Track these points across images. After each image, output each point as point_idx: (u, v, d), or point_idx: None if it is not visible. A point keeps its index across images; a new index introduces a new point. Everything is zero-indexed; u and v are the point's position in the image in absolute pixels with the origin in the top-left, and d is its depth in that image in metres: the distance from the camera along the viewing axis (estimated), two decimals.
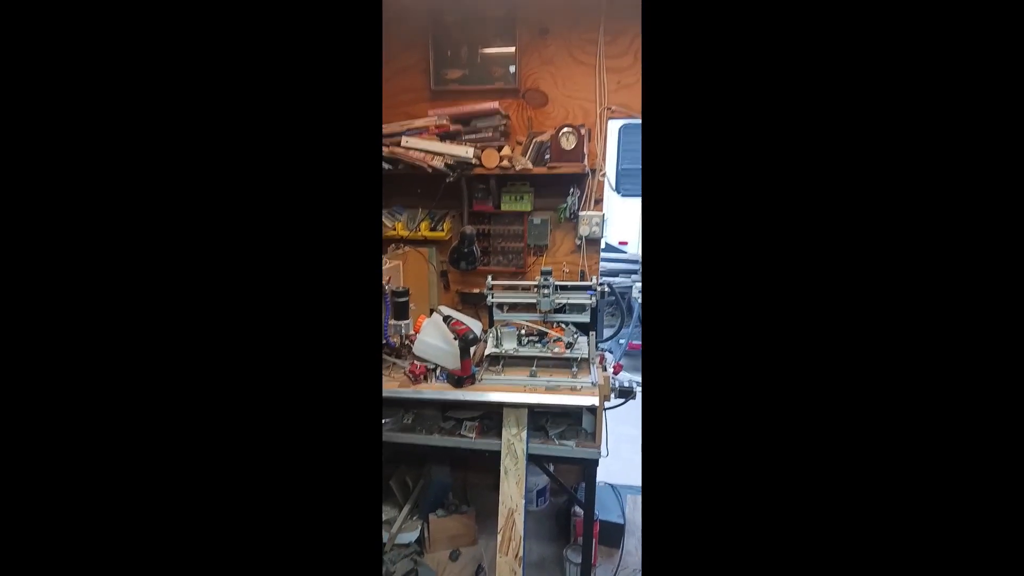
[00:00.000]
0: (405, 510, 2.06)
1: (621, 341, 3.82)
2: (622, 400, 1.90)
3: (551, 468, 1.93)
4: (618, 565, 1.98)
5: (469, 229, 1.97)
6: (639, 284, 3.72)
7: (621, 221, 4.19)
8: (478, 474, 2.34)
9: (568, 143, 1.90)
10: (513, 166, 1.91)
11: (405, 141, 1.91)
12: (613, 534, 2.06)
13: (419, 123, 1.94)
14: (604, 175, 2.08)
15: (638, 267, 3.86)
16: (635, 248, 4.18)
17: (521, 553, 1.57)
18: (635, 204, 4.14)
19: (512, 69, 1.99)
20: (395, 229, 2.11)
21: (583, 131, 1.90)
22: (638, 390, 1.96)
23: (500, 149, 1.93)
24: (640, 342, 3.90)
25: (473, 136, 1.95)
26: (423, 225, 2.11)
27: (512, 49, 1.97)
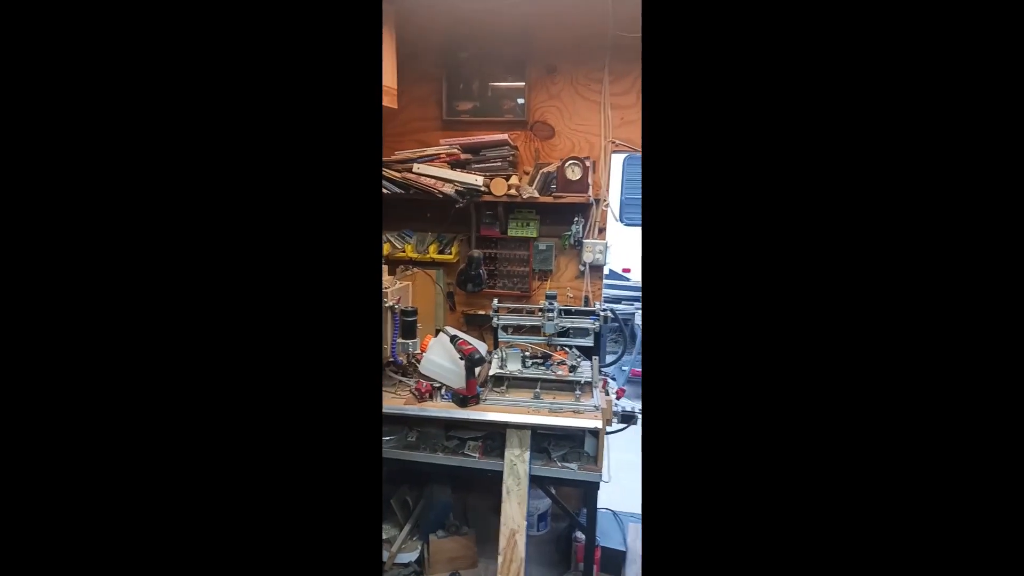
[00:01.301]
0: (405, 530, 2.06)
1: (624, 368, 3.83)
2: (624, 425, 1.92)
3: (553, 491, 1.94)
4: None
5: (477, 253, 2.04)
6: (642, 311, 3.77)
7: (624, 249, 4.27)
8: (479, 496, 2.33)
9: (573, 174, 1.99)
10: (520, 194, 1.99)
11: (417, 168, 2.00)
12: (614, 561, 2.04)
13: (431, 151, 2.03)
14: (607, 205, 2.16)
15: (640, 295, 3.91)
16: (638, 276, 4.24)
17: (523, 575, 1.57)
18: (638, 233, 4.23)
19: (521, 102, 2.09)
20: (404, 251, 2.18)
21: (588, 163, 1.99)
22: (640, 416, 1.98)
23: (508, 178, 2.02)
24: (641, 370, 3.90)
25: (482, 165, 2.05)
26: (432, 248, 2.18)
27: (522, 84, 2.08)
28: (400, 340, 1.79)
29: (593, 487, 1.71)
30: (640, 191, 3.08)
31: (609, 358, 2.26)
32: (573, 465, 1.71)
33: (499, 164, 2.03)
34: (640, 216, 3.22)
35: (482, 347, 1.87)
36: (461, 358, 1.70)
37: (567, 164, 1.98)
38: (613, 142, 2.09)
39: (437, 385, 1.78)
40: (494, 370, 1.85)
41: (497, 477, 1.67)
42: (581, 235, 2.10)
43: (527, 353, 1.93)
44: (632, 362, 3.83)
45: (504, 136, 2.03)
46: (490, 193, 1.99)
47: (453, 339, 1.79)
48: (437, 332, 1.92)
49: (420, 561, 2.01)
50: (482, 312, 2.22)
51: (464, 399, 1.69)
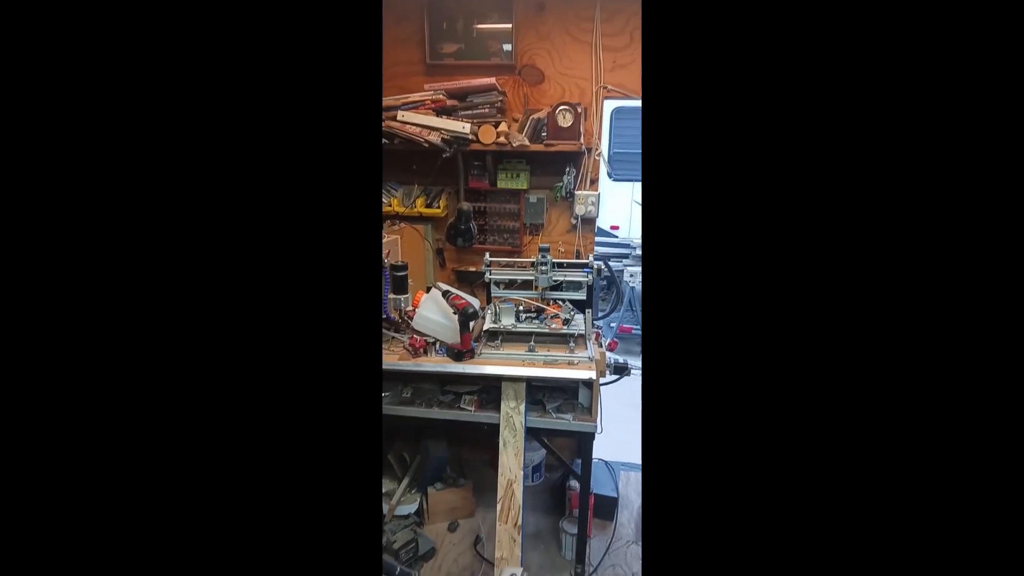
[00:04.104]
0: (404, 483, 2.08)
1: (612, 324, 3.87)
2: (617, 376, 1.94)
3: (549, 444, 1.97)
4: (612, 536, 2.03)
5: (466, 206, 1.97)
6: (631, 269, 3.76)
7: (613, 206, 4.22)
8: (474, 450, 2.37)
9: (565, 121, 1.90)
10: (510, 142, 1.91)
11: (401, 115, 1.90)
12: (607, 507, 2.11)
13: (415, 97, 1.92)
14: (600, 154, 2.09)
15: (629, 251, 3.89)
16: (626, 232, 4.22)
17: (520, 522, 1.61)
18: (626, 189, 4.16)
19: (508, 47, 1.97)
20: (391, 205, 2.10)
21: (579, 109, 1.91)
22: (632, 367, 2.00)
23: (497, 125, 1.92)
24: (631, 326, 3.95)
25: (469, 112, 1.94)
26: (419, 202, 2.11)
27: (508, 25, 1.95)
28: (392, 296, 1.75)
29: (588, 437, 1.73)
30: (629, 145, 3.01)
31: (601, 313, 2.26)
32: (568, 416, 1.72)
33: (487, 111, 1.94)
34: (629, 171, 3.16)
35: (475, 303, 1.83)
36: (455, 313, 1.67)
37: (558, 110, 1.89)
38: (605, 87, 2.00)
39: (431, 340, 1.75)
40: (488, 325, 1.83)
41: (493, 430, 1.68)
42: (573, 186, 2.04)
43: (520, 307, 1.91)
44: (620, 319, 3.87)
45: (492, 80, 1.92)
46: (478, 141, 1.90)
47: (446, 294, 1.75)
48: (428, 289, 1.87)
49: (419, 512, 2.05)
50: (473, 269, 2.17)
51: (459, 353, 1.67)
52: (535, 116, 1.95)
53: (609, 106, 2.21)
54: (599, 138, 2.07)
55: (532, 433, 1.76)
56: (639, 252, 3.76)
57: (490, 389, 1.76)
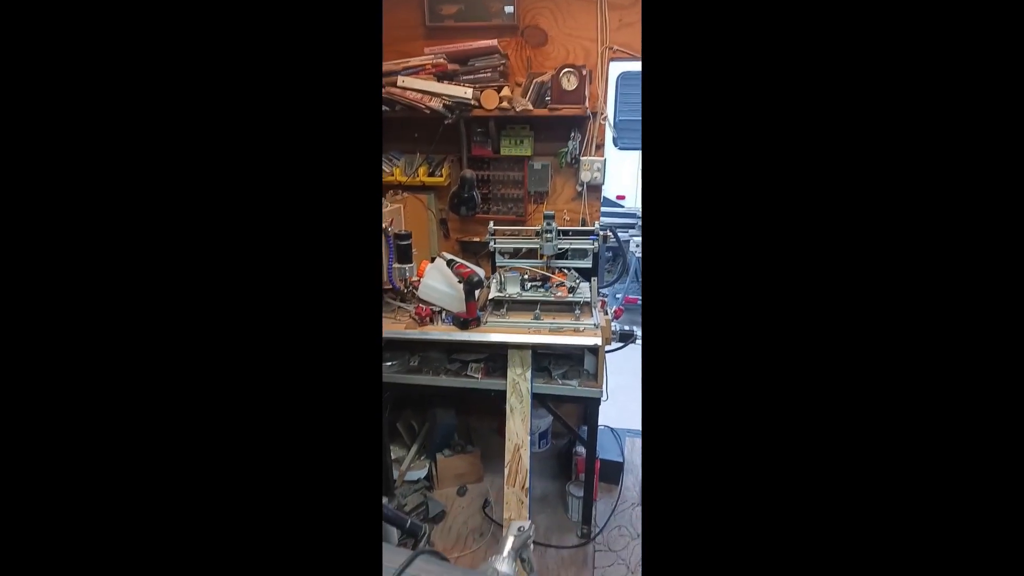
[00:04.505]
0: (413, 450, 2.13)
1: (618, 295, 3.86)
2: (622, 344, 1.94)
3: (555, 409, 1.99)
4: (617, 499, 2.07)
5: (469, 173, 1.94)
6: (637, 239, 3.72)
7: (619, 175, 4.14)
8: (482, 419, 2.41)
9: (569, 83, 1.85)
10: (513, 107, 1.86)
11: (401, 81, 1.85)
12: (612, 472, 2.15)
13: (415, 61, 1.87)
14: (605, 118, 2.04)
15: (636, 221, 3.84)
16: (633, 202, 4.16)
17: (527, 484, 1.64)
18: (633, 157, 4.08)
19: (509, 9, 1.90)
20: (393, 175, 2.08)
21: (584, 71, 1.85)
22: (638, 333, 2.00)
23: (499, 90, 1.88)
24: (637, 296, 3.94)
25: (471, 76, 1.89)
26: (421, 171, 2.08)
27: None
28: (396, 265, 1.74)
29: (594, 403, 1.75)
30: (636, 112, 2.93)
31: (606, 282, 2.25)
32: (573, 382, 1.73)
33: (489, 75, 1.88)
34: (635, 139, 3.09)
35: (480, 272, 1.83)
36: (460, 281, 1.67)
37: (562, 73, 1.83)
38: (610, 48, 1.93)
39: (437, 309, 1.76)
40: (493, 294, 1.83)
41: (500, 397, 1.70)
42: (578, 152, 2.00)
43: (525, 276, 1.90)
44: (626, 289, 3.85)
45: (494, 42, 1.86)
46: (481, 107, 1.86)
47: (450, 263, 1.74)
48: (432, 260, 1.87)
49: (429, 478, 2.10)
50: (477, 239, 2.16)
51: (464, 322, 1.68)
52: (538, 79, 1.89)
53: (615, 68, 2.14)
54: (605, 102, 2.02)
55: (538, 399, 1.78)
56: None
57: (496, 357, 1.77)
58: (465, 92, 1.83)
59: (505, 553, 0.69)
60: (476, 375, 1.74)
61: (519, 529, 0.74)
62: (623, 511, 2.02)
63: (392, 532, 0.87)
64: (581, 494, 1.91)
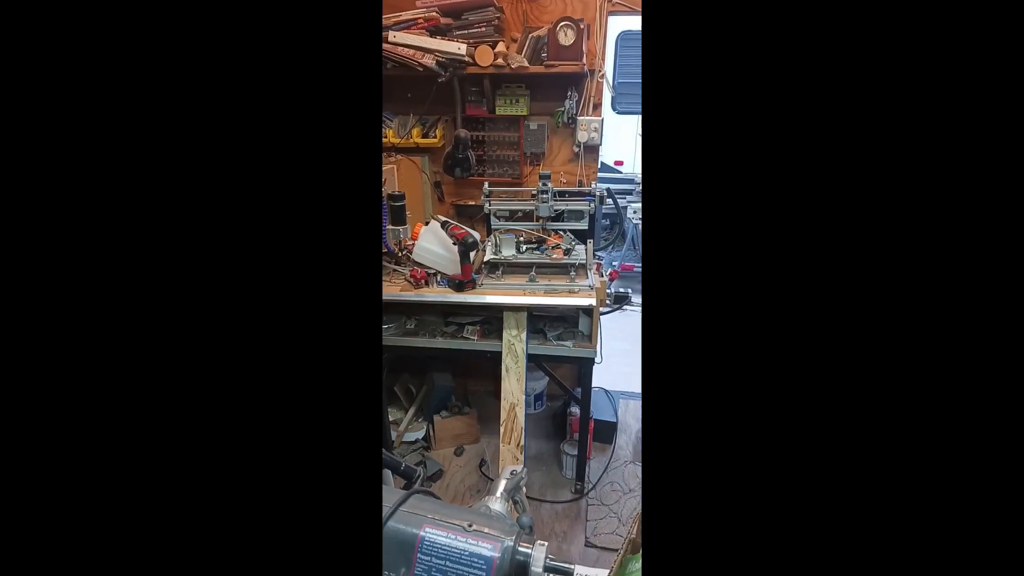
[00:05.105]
0: (410, 412, 2.17)
1: (615, 263, 3.86)
2: (617, 306, 1.96)
3: (550, 370, 2.02)
4: (610, 457, 2.13)
5: (463, 132, 1.91)
6: (635, 205, 3.69)
7: (617, 140, 4.07)
8: (479, 382, 2.45)
9: (567, 38, 1.79)
10: (508, 64, 1.80)
11: (393, 36, 1.79)
12: (606, 432, 2.21)
13: (407, 15, 1.80)
14: (603, 76, 1.99)
15: (634, 187, 3.80)
16: (631, 168, 4.10)
17: (522, 442, 1.69)
18: (632, 122, 4.00)
19: None
20: (386, 136, 2.03)
21: (582, 26, 1.79)
22: (633, 299, 2.01)
23: (494, 46, 1.82)
24: (633, 263, 3.95)
25: (465, 31, 1.83)
26: (415, 132, 2.03)
27: None
28: (390, 227, 1.73)
29: (588, 363, 1.78)
30: (636, 75, 2.86)
31: (602, 244, 2.24)
32: (568, 343, 1.75)
33: (483, 29, 1.82)
34: (635, 104, 3.03)
35: (476, 236, 1.82)
36: (454, 243, 1.66)
37: (559, 27, 1.77)
38: (610, 1, 1.86)
39: (432, 272, 1.75)
40: (488, 256, 1.82)
41: (496, 358, 1.72)
42: (575, 111, 1.96)
43: (521, 239, 1.89)
44: (623, 256, 3.85)
45: None
46: (475, 64, 1.81)
47: (444, 224, 1.73)
48: (427, 223, 1.85)
49: (427, 439, 2.15)
50: (472, 203, 2.13)
51: (460, 284, 1.68)
52: (535, 34, 1.83)
53: (615, 23, 2.07)
54: (603, 59, 1.96)
55: (534, 360, 1.81)
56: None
57: (492, 320, 1.78)
58: (459, 48, 1.77)
59: (498, 494, 0.71)
60: (472, 337, 1.75)
61: (512, 472, 0.76)
62: (616, 468, 2.09)
63: (389, 475, 0.89)
64: (575, 452, 1.97)
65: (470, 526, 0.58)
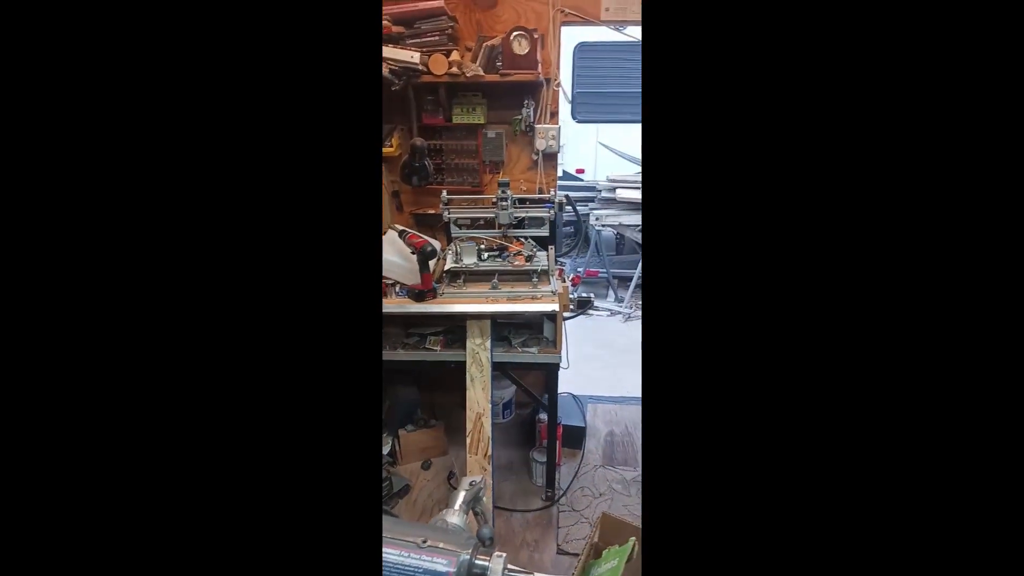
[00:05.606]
0: None
1: (580, 269, 3.91)
2: (581, 310, 1.97)
3: (517, 378, 2.01)
4: (580, 462, 2.13)
5: (419, 141, 1.88)
6: (598, 212, 3.75)
7: (578, 149, 4.14)
8: (445, 395, 2.40)
9: (521, 47, 1.81)
10: (463, 72, 1.80)
11: None
12: (575, 436, 2.21)
13: None
14: (559, 85, 2.01)
15: (595, 194, 3.87)
16: (592, 176, 4.17)
17: (490, 452, 1.66)
18: (592, 131, 4.08)
19: None
20: None
21: (536, 36, 1.81)
22: (596, 301, 2.03)
23: (448, 54, 1.81)
24: (597, 269, 4.00)
25: (418, 41, 1.82)
26: None
27: None
28: None
29: (554, 368, 1.77)
30: (594, 84, 2.93)
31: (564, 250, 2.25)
32: (533, 349, 1.75)
33: (437, 38, 1.81)
34: (594, 112, 3.10)
35: (436, 245, 1.79)
36: (413, 252, 1.63)
37: (513, 36, 1.79)
38: (562, 11, 1.90)
39: (391, 282, 1.71)
40: (449, 265, 1.80)
41: (461, 368, 1.69)
42: (532, 119, 1.97)
43: (482, 246, 1.88)
44: (587, 263, 3.90)
45: (439, 3, 1.79)
46: (429, 72, 1.79)
47: (402, 233, 1.70)
48: (385, 232, 1.81)
49: (392, 453, 2.09)
50: (432, 211, 2.11)
51: (420, 294, 1.65)
52: (489, 43, 1.84)
53: (567, 32, 2.10)
54: (558, 68, 1.99)
55: (499, 368, 1.79)
56: (606, 195, 3.74)
57: (455, 329, 1.76)
58: (411, 56, 1.76)
59: (456, 506, 0.68)
60: (435, 347, 1.72)
61: (471, 483, 0.74)
62: (586, 473, 2.08)
63: None
64: (545, 459, 1.95)
65: (424, 542, 0.55)
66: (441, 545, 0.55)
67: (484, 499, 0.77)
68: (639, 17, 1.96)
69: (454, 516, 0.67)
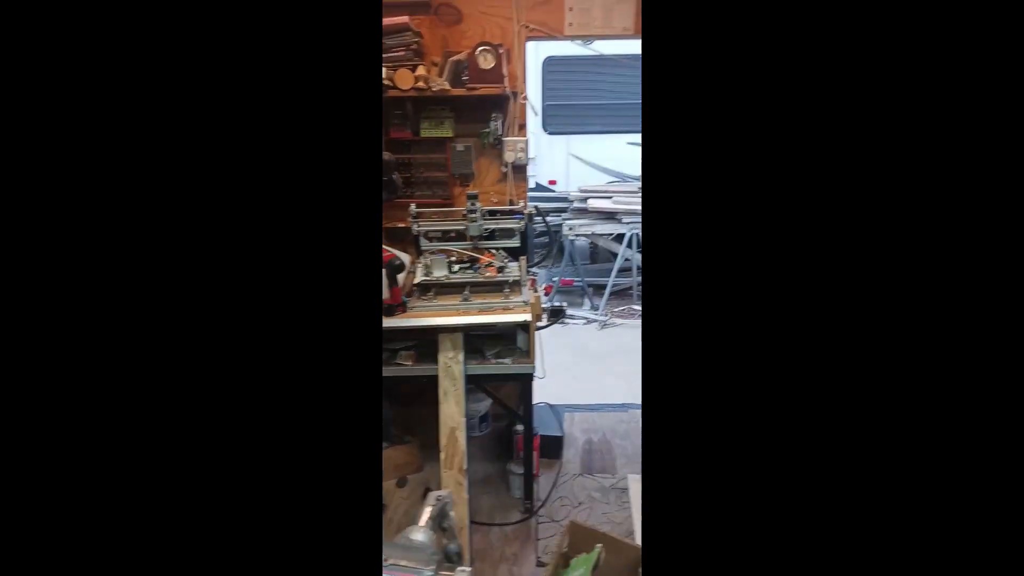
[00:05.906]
0: None
1: (554, 279, 3.94)
2: (553, 320, 1.98)
3: (491, 389, 2.00)
4: (558, 472, 2.12)
5: (387, 156, 1.88)
6: (570, 222, 3.80)
7: (550, 160, 4.20)
8: (419, 408, 2.36)
9: (486, 62, 1.83)
10: (429, 87, 1.82)
11: None
12: (553, 446, 2.20)
13: None
14: (526, 99, 2.05)
15: (568, 205, 3.92)
16: (564, 187, 4.23)
17: (465, 466, 1.64)
18: (563, 143, 4.15)
19: None
20: None
21: (501, 50, 1.84)
22: (568, 309, 2.04)
23: (414, 69, 1.82)
24: (572, 278, 4.04)
25: (383, 56, 1.82)
26: None
27: None
28: None
29: (528, 379, 1.77)
30: (565, 97, 2.99)
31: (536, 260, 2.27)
32: (507, 360, 1.74)
33: (402, 53, 1.82)
34: (565, 125, 3.16)
35: (405, 259, 1.78)
36: (381, 266, 1.61)
37: (478, 51, 1.82)
38: (527, 26, 1.94)
39: None
40: (419, 278, 1.79)
41: (433, 382, 1.68)
42: (500, 132, 1.99)
43: (453, 259, 1.88)
44: (562, 272, 3.93)
45: (405, 19, 1.80)
46: (396, 87, 1.80)
47: None
48: None
49: None
50: (402, 225, 2.09)
51: (390, 308, 1.63)
52: (455, 58, 1.86)
53: (532, 47, 2.15)
54: (524, 82, 2.03)
55: (473, 381, 1.78)
56: (577, 205, 3.80)
57: (427, 343, 1.74)
58: None
59: (421, 523, 0.67)
60: (407, 362, 1.70)
61: (437, 498, 0.73)
62: (565, 482, 2.08)
63: None
64: (522, 471, 1.94)
65: (386, 560, 0.54)
66: (403, 563, 0.54)
67: (452, 514, 0.76)
68: (603, 32, 2.02)
69: (419, 533, 0.65)
